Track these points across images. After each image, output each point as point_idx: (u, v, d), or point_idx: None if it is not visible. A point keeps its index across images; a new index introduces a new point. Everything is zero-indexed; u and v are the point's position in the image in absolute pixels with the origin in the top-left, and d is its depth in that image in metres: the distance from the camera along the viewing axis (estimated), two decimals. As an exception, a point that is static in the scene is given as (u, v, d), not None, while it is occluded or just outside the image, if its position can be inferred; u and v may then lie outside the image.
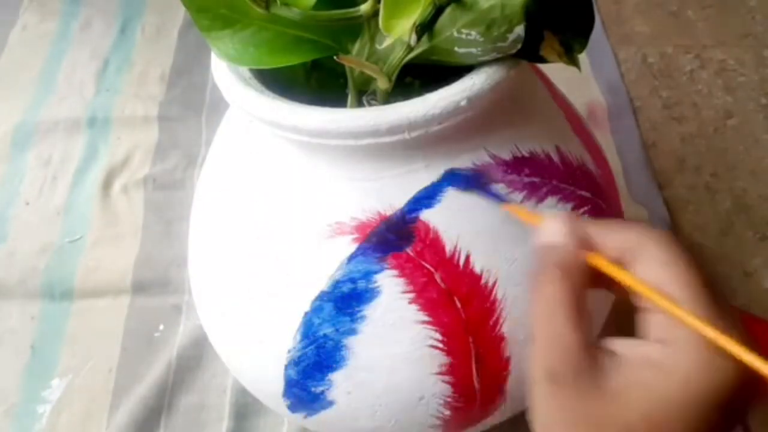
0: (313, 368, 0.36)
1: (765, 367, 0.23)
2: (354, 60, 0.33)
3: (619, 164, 0.67)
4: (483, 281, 0.34)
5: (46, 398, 0.54)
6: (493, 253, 0.34)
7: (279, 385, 0.37)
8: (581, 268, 0.27)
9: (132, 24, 0.85)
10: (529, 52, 0.31)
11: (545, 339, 0.26)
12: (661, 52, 0.79)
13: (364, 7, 0.31)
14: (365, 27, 0.32)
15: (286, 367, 0.36)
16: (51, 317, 0.59)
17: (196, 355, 0.55)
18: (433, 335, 0.34)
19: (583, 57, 0.75)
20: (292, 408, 0.39)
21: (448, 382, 0.35)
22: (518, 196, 0.34)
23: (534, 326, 0.27)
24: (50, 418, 0.53)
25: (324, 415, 0.38)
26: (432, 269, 0.33)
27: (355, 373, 0.35)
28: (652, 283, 0.26)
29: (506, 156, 0.34)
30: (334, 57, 0.32)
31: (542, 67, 0.38)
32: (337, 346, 0.35)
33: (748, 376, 0.24)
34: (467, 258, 0.34)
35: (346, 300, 0.34)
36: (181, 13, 0.85)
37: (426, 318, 0.34)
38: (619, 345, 0.26)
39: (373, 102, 0.34)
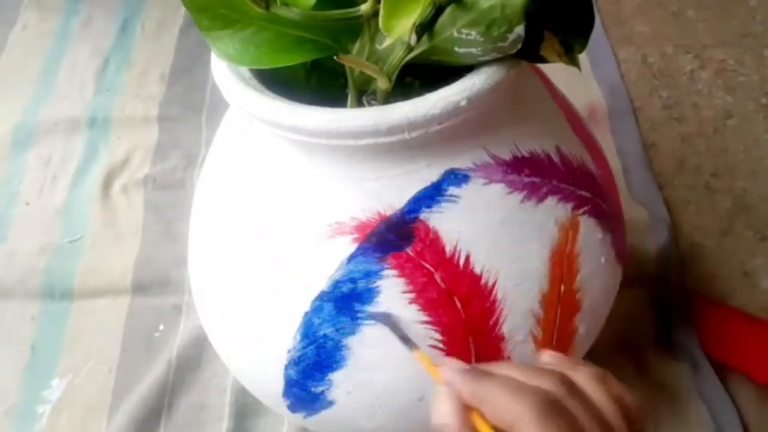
0: (313, 368, 0.36)
1: None
2: (354, 60, 0.33)
3: (619, 164, 0.67)
4: (483, 281, 0.34)
5: (46, 398, 0.54)
6: (493, 253, 0.34)
7: (279, 385, 0.37)
8: None
9: (132, 23, 0.85)
10: (529, 52, 0.31)
11: None
12: (661, 52, 0.79)
13: (364, 7, 0.31)
14: (365, 27, 0.32)
15: (286, 367, 0.36)
16: (51, 317, 0.58)
17: (196, 355, 0.55)
18: (433, 335, 0.34)
19: (583, 57, 0.75)
20: (292, 408, 0.39)
21: (448, 382, 0.35)
22: (518, 196, 0.34)
23: None
24: (50, 418, 0.53)
25: (324, 415, 0.38)
26: (432, 269, 0.33)
27: (355, 373, 0.35)
28: None
29: (506, 156, 0.34)
30: (334, 57, 0.32)
31: (542, 67, 0.38)
32: (337, 346, 0.35)
33: None
34: (467, 258, 0.34)
35: (346, 300, 0.34)
36: (181, 12, 0.85)
37: (426, 318, 0.34)
38: None
39: (373, 102, 0.34)
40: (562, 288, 0.36)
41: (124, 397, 0.53)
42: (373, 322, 0.34)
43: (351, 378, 0.35)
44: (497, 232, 0.34)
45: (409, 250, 0.33)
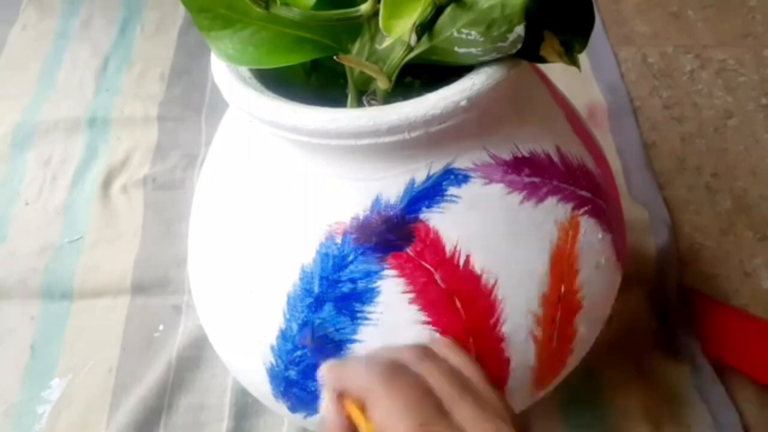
0: (313, 368, 0.36)
1: None
2: (354, 60, 0.33)
3: (619, 164, 0.67)
4: (483, 281, 0.34)
5: (46, 398, 0.54)
6: (493, 253, 0.34)
7: (278, 385, 0.37)
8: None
9: (132, 23, 0.85)
10: (529, 52, 0.31)
11: None
12: (661, 52, 0.79)
13: (364, 7, 0.31)
14: (365, 27, 0.32)
15: (286, 368, 0.36)
16: (51, 317, 0.58)
17: (196, 355, 0.55)
18: (433, 335, 0.34)
19: (583, 57, 0.75)
20: (292, 408, 0.39)
21: (448, 382, 0.35)
22: (518, 196, 0.34)
23: None
24: (50, 418, 0.53)
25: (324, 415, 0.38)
26: (432, 269, 0.33)
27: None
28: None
29: (506, 156, 0.34)
30: (334, 57, 0.32)
31: (542, 67, 0.38)
32: (337, 346, 0.35)
33: None
34: (467, 258, 0.34)
35: (346, 300, 0.34)
36: (181, 12, 0.85)
37: (426, 318, 0.34)
38: None
39: (373, 102, 0.34)
40: (562, 288, 0.36)
41: (124, 397, 0.53)
42: (374, 321, 0.34)
43: (351, 378, 0.35)
44: (497, 232, 0.34)
45: (409, 250, 0.33)
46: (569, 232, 0.36)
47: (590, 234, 0.37)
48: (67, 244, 0.63)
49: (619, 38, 0.80)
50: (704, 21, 0.82)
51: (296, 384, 0.37)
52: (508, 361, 0.36)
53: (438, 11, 0.30)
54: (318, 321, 0.34)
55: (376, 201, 0.33)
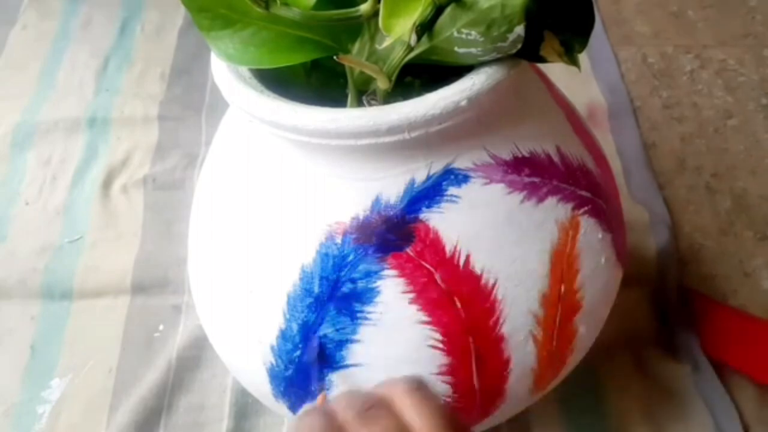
0: (313, 368, 0.36)
1: None
2: (354, 60, 0.33)
3: (619, 164, 0.67)
4: (483, 281, 0.34)
5: (46, 398, 0.54)
6: (493, 253, 0.34)
7: (278, 385, 0.37)
8: None
9: (132, 23, 0.85)
10: (529, 52, 0.31)
11: None
12: (661, 52, 0.79)
13: (364, 7, 0.31)
14: (365, 27, 0.32)
15: (286, 367, 0.36)
16: (51, 317, 0.58)
17: (196, 355, 0.55)
18: (433, 335, 0.34)
19: (583, 57, 0.75)
20: (292, 408, 0.39)
21: (448, 382, 0.35)
22: (518, 196, 0.34)
23: None
24: (50, 418, 0.53)
25: (324, 415, 0.38)
26: (432, 269, 0.33)
27: (355, 373, 0.35)
28: None
29: (506, 156, 0.34)
30: (334, 57, 0.32)
31: (542, 67, 0.38)
32: (337, 346, 0.35)
33: None
34: (467, 258, 0.34)
35: (346, 300, 0.34)
36: (181, 12, 0.85)
37: (426, 318, 0.34)
38: None
39: (373, 102, 0.34)
40: (562, 288, 0.36)
41: (124, 397, 0.53)
42: (374, 321, 0.34)
43: (351, 378, 0.35)
44: (497, 232, 0.34)
45: (409, 250, 0.33)
46: (569, 232, 0.36)
47: (590, 234, 0.38)
48: (67, 244, 0.63)
49: (619, 38, 0.80)
50: (704, 21, 0.82)
51: (296, 384, 0.37)
52: (508, 361, 0.36)
53: (438, 11, 0.30)
54: (318, 321, 0.34)
55: (376, 201, 0.33)
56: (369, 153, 0.32)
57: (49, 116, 0.74)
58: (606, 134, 0.70)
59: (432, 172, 0.33)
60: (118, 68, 0.79)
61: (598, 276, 0.38)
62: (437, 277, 0.33)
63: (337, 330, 0.34)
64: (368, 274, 0.33)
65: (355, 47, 0.33)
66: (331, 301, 0.34)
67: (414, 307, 0.34)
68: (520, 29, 0.29)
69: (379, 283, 0.33)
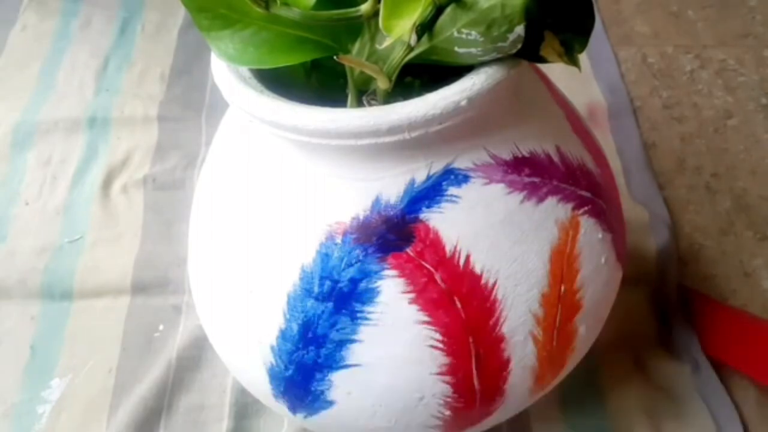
0: (312, 368, 0.36)
1: None
2: (354, 60, 0.33)
3: (619, 164, 0.67)
4: (483, 281, 0.34)
5: (46, 398, 0.54)
6: (493, 253, 0.34)
7: (278, 385, 0.37)
8: None
9: (132, 23, 0.85)
10: (529, 52, 0.31)
11: None
12: (661, 52, 0.79)
13: (364, 7, 0.31)
14: (365, 27, 0.32)
15: (286, 367, 0.36)
16: (51, 317, 0.58)
17: (196, 355, 0.55)
18: (433, 335, 0.34)
19: (583, 57, 0.75)
20: (292, 408, 0.39)
21: (448, 382, 0.35)
22: (518, 196, 0.34)
23: None
24: (50, 418, 0.53)
25: (324, 415, 0.38)
26: (432, 269, 0.33)
27: (355, 373, 0.35)
28: None
29: (506, 156, 0.34)
30: (334, 57, 0.32)
31: (542, 67, 0.38)
32: (337, 346, 0.35)
33: None
34: (467, 258, 0.34)
35: (346, 300, 0.34)
36: (181, 12, 0.85)
37: (426, 318, 0.34)
38: None
39: (373, 102, 0.34)
40: (562, 288, 0.36)
41: (124, 397, 0.53)
42: (374, 321, 0.34)
43: (351, 378, 0.35)
44: (497, 232, 0.34)
45: (409, 250, 0.33)
46: (569, 232, 0.36)
47: (590, 234, 0.38)
48: (67, 244, 0.63)
49: (619, 38, 0.80)
50: (704, 21, 0.82)
51: (296, 384, 0.37)
52: (508, 361, 0.36)
53: (438, 11, 0.30)
54: (318, 321, 0.34)
55: (376, 201, 0.33)
56: (369, 153, 0.32)
57: (49, 116, 0.74)
58: (606, 134, 0.70)
59: (432, 172, 0.33)
60: (118, 68, 0.79)
61: (598, 276, 0.38)
62: (437, 277, 0.33)
63: (337, 330, 0.34)
64: (368, 274, 0.33)
65: (355, 47, 0.33)
66: (331, 301, 0.34)
67: (414, 307, 0.34)
68: (520, 29, 0.29)
69: (379, 283, 0.33)
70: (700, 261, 0.61)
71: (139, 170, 0.69)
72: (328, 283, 0.34)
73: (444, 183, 0.33)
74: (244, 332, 0.38)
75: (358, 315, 0.34)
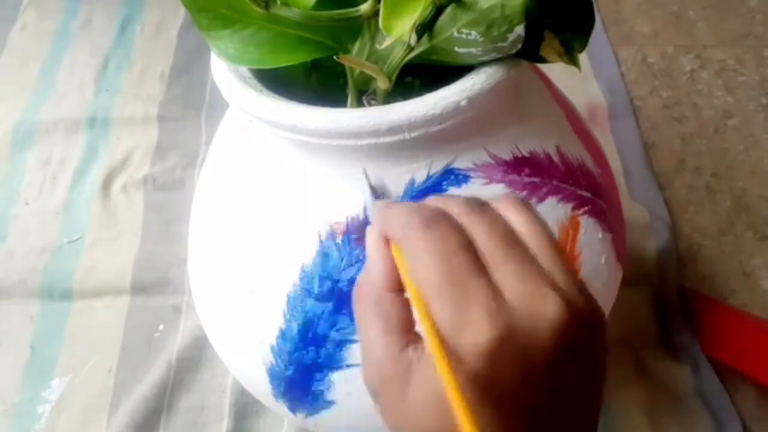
0: (312, 368, 0.36)
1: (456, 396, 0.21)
2: (354, 60, 0.33)
3: (619, 164, 0.67)
4: (483, 281, 0.34)
5: (46, 398, 0.54)
6: (493, 253, 0.34)
7: (278, 385, 0.37)
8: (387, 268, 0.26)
9: (132, 23, 0.85)
10: (529, 52, 0.31)
11: (363, 353, 0.26)
12: (661, 52, 0.79)
13: (364, 7, 0.31)
14: (365, 27, 0.32)
15: (286, 367, 0.36)
16: (50, 317, 0.58)
17: (196, 355, 0.55)
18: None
19: (583, 57, 0.75)
20: (292, 408, 0.39)
21: (448, 383, 0.35)
22: (518, 196, 0.34)
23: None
24: (50, 418, 0.53)
25: (324, 415, 0.38)
26: (432, 269, 0.33)
27: (355, 373, 0.35)
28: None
29: (506, 156, 0.34)
30: (334, 57, 0.32)
31: (542, 67, 0.38)
32: (337, 346, 0.35)
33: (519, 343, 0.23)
34: (467, 258, 0.34)
35: (346, 300, 0.34)
36: (181, 12, 0.85)
37: (426, 318, 0.34)
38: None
39: (373, 102, 0.34)
40: (562, 288, 0.36)
41: (124, 397, 0.53)
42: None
43: (351, 378, 0.35)
44: (497, 232, 0.34)
45: (409, 250, 0.33)
46: (569, 232, 0.36)
47: (590, 234, 0.37)
48: (66, 244, 0.63)
49: (619, 38, 0.80)
50: (704, 21, 0.82)
51: (296, 384, 0.37)
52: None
53: (438, 11, 0.30)
54: (318, 321, 0.34)
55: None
56: (369, 153, 0.32)
57: (49, 116, 0.74)
58: (606, 134, 0.70)
59: (432, 172, 0.33)
60: (118, 68, 0.79)
61: (598, 276, 0.38)
62: (437, 277, 0.33)
63: (337, 330, 0.34)
64: (368, 274, 0.33)
65: (355, 47, 0.33)
66: (331, 301, 0.34)
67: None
68: (520, 29, 0.29)
69: (379, 283, 0.33)
70: (699, 261, 0.61)
71: (139, 170, 0.69)
72: (328, 283, 0.34)
73: (444, 183, 0.33)
74: (244, 332, 0.38)
75: (358, 315, 0.34)
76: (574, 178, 0.37)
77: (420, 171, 0.33)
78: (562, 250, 0.26)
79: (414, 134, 0.30)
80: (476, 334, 0.22)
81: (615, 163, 0.66)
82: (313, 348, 0.35)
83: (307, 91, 0.36)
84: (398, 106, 0.30)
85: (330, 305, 0.34)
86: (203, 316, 0.42)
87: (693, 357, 0.53)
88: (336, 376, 0.35)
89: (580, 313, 0.24)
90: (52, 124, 0.73)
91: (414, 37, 0.30)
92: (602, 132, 0.70)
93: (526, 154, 0.35)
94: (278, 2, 0.31)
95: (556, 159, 0.36)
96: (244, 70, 0.34)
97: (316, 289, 0.34)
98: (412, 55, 0.31)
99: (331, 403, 0.37)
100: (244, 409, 0.52)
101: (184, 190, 0.67)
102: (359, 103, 0.35)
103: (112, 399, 0.53)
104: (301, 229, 0.34)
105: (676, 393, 0.52)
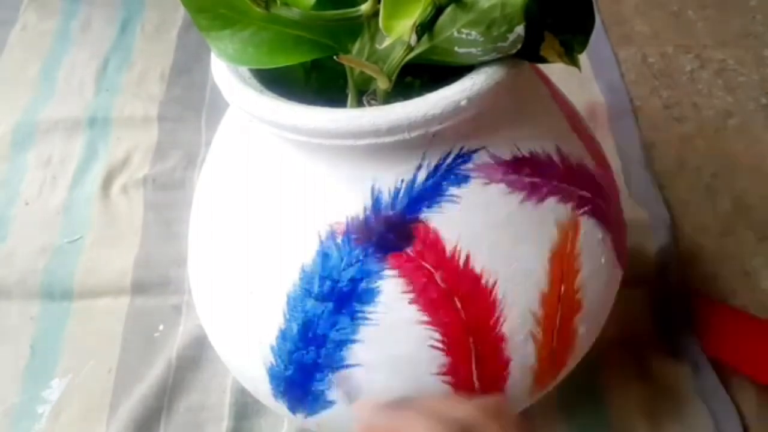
0: (312, 368, 0.36)
1: None
2: (354, 60, 0.33)
3: (619, 164, 0.67)
4: (483, 281, 0.34)
5: (46, 398, 0.54)
6: (493, 253, 0.34)
7: (278, 385, 0.37)
8: None
9: (132, 23, 0.85)
10: (529, 52, 0.31)
11: None
12: (661, 52, 0.79)
13: (364, 7, 0.31)
14: (365, 27, 0.32)
15: (286, 368, 0.36)
16: (50, 317, 0.58)
17: (196, 355, 0.55)
18: (433, 335, 0.34)
19: (583, 57, 0.75)
20: (292, 408, 0.39)
21: (448, 382, 0.35)
22: (518, 196, 0.34)
23: None
24: (50, 418, 0.53)
25: (324, 415, 0.38)
26: (432, 269, 0.33)
27: (356, 373, 0.35)
28: None
29: (506, 156, 0.34)
30: (334, 57, 0.32)
31: (542, 67, 0.38)
32: (337, 346, 0.35)
33: None
34: (467, 258, 0.34)
35: (346, 300, 0.34)
36: (180, 12, 0.85)
37: (426, 318, 0.34)
38: None
39: (373, 102, 0.34)
40: (562, 288, 0.36)
41: (124, 397, 0.53)
42: (374, 321, 0.34)
43: (351, 378, 0.35)
44: (497, 232, 0.34)
45: (409, 250, 0.33)
46: (569, 232, 0.36)
47: (590, 234, 0.37)
48: (66, 244, 0.63)
49: (619, 38, 0.80)
50: (704, 21, 0.82)
51: (296, 384, 0.37)
52: (508, 361, 0.36)
53: (438, 11, 0.30)
54: (318, 321, 0.34)
55: (376, 201, 0.33)
56: (369, 153, 0.32)
57: (49, 116, 0.74)
58: (606, 134, 0.70)
59: (432, 172, 0.33)
60: (118, 68, 0.79)
61: (598, 276, 0.38)
62: (437, 277, 0.33)
63: (337, 330, 0.34)
64: (368, 274, 0.33)
65: (355, 47, 0.33)
66: (331, 301, 0.34)
67: (414, 307, 0.34)
68: (520, 29, 0.29)
69: (379, 283, 0.33)
70: (700, 261, 0.61)
71: (139, 170, 0.69)
72: (328, 283, 0.34)
73: (444, 183, 0.33)
74: (244, 332, 0.38)
75: (358, 315, 0.34)
76: (574, 178, 0.37)
77: (420, 171, 0.33)
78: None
79: (414, 134, 0.30)
80: None
81: (615, 163, 0.66)
82: (313, 348, 0.35)
83: (307, 92, 0.36)
84: (398, 106, 0.30)
85: (330, 305, 0.34)
86: (203, 316, 0.42)
87: (693, 357, 0.53)
88: (336, 376, 0.35)
89: None
90: (52, 125, 0.73)
91: (414, 37, 0.30)
92: (602, 132, 0.70)
93: (526, 154, 0.35)
94: (278, 2, 0.31)
95: (556, 159, 0.36)
96: (244, 70, 0.34)
97: (316, 289, 0.34)
98: (412, 55, 0.31)
99: (331, 403, 0.37)
100: (244, 409, 0.52)
101: (184, 191, 0.67)
102: (359, 103, 0.35)
103: (112, 399, 0.53)
104: (301, 229, 0.34)
105: (676, 393, 0.52)
